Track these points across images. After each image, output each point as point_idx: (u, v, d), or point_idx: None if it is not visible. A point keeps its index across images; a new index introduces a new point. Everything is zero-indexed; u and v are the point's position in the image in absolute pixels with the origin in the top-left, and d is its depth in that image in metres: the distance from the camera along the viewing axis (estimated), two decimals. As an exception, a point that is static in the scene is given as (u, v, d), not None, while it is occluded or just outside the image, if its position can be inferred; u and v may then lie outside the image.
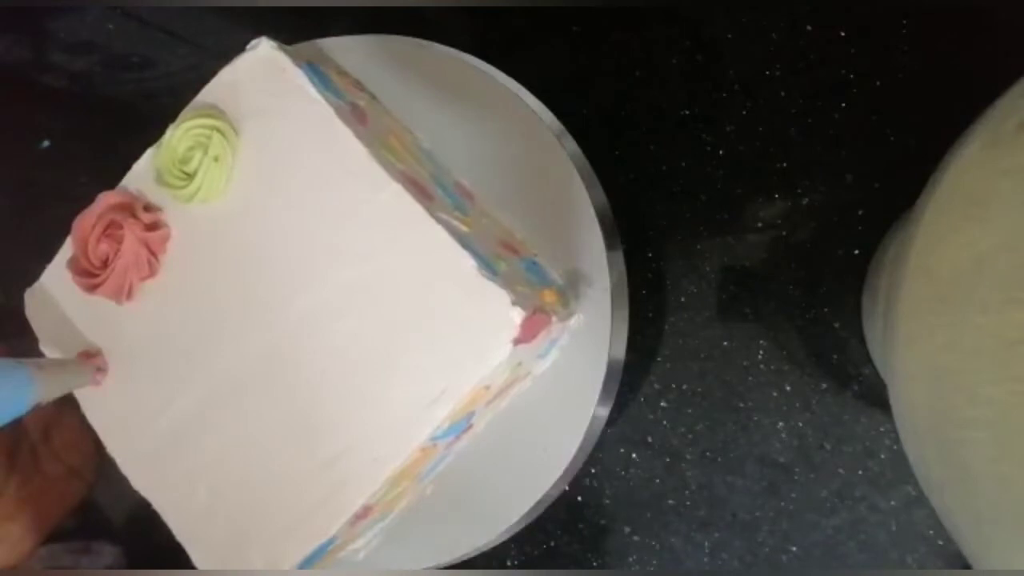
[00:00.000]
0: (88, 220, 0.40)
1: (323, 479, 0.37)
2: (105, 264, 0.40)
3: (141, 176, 0.42)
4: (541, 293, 0.40)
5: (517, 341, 0.35)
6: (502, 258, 0.40)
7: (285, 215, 0.39)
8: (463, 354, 0.35)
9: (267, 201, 0.39)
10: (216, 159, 0.39)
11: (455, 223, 0.38)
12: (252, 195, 0.40)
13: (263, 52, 0.40)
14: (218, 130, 0.39)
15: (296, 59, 0.39)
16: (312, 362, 0.38)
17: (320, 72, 0.41)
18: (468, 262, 0.35)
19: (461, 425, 0.41)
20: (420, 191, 0.38)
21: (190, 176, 0.39)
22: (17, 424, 0.44)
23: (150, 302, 0.41)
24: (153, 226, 0.40)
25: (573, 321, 0.43)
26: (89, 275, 0.40)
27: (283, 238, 0.39)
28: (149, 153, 0.41)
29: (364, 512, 0.38)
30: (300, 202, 0.39)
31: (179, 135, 0.40)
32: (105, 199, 0.40)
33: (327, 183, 0.38)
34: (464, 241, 0.36)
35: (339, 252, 0.38)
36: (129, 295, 0.41)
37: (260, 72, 0.40)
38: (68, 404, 0.41)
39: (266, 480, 0.39)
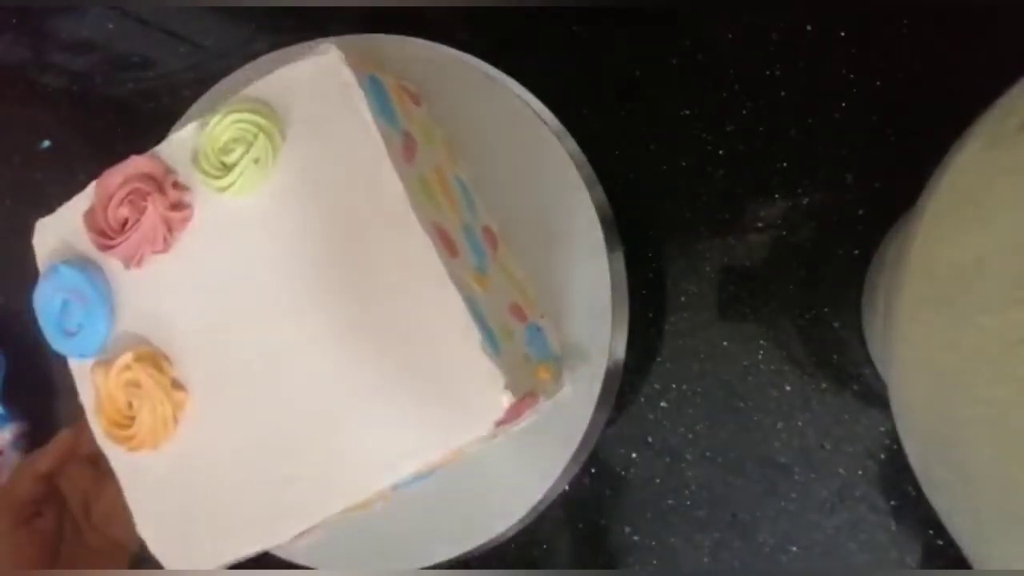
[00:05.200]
0: (115, 179, 0.39)
1: (279, 495, 0.38)
2: (123, 227, 0.40)
3: (177, 149, 0.40)
4: (536, 370, 0.40)
5: (500, 423, 0.35)
6: (507, 329, 0.39)
7: (308, 232, 0.38)
8: (444, 421, 0.35)
9: (294, 214, 0.38)
10: (256, 161, 0.38)
11: (473, 285, 0.38)
12: (281, 203, 0.39)
13: (330, 61, 0.38)
14: (264, 131, 0.38)
15: (360, 73, 0.38)
16: (297, 382, 0.38)
17: (380, 88, 0.40)
18: (475, 334, 0.35)
19: (424, 478, 0.41)
20: (447, 245, 0.38)
21: (227, 168, 0.38)
22: (59, 501, 0.45)
23: (156, 276, 0.41)
24: (177, 205, 0.39)
25: (560, 394, 0.43)
26: (104, 235, 0.40)
27: (300, 255, 0.38)
28: (192, 127, 0.40)
29: (311, 528, 0.38)
30: (326, 224, 0.38)
31: (225, 124, 0.38)
32: (135, 163, 0.40)
33: (357, 214, 0.37)
34: (476, 309, 0.36)
35: (351, 285, 0.37)
36: (138, 264, 0.40)
37: (320, 79, 0.38)
38: (106, 475, 0.41)
39: (226, 476, 0.39)
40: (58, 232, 0.43)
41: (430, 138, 0.43)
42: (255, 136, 0.38)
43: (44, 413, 0.59)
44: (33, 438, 0.60)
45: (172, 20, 0.58)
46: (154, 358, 0.40)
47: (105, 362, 0.40)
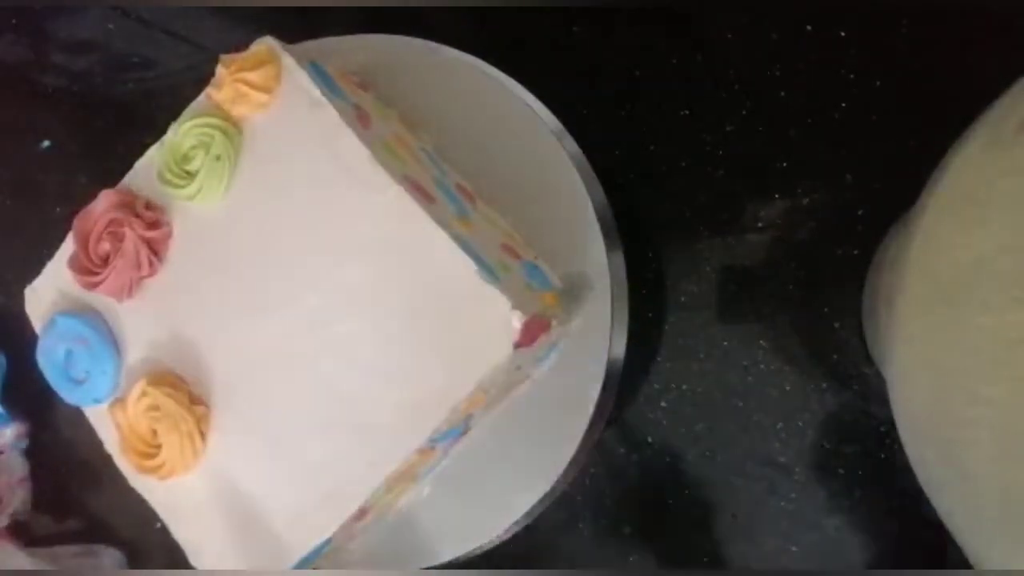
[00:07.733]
0: (89, 218, 0.40)
1: (321, 480, 0.37)
2: (106, 262, 0.40)
3: (143, 174, 0.41)
4: (542, 297, 0.40)
5: (517, 345, 0.35)
6: (503, 263, 0.39)
7: (286, 215, 0.39)
8: (462, 357, 0.35)
9: (268, 201, 0.39)
10: (218, 158, 0.39)
11: (457, 226, 0.38)
12: (253, 195, 0.39)
13: (268, 52, 0.39)
14: (220, 130, 0.39)
15: (300, 59, 0.39)
16: (311, 363, 0.38)
17: (323, 72, 0.41)
18: (469, 266, 0.35)
19: (459, 428, 0.41)
20: (422, 194, 0.38)
21: (192, 175, 0.39)
22: None
23: (151, 300, 0.41)
24: (154, 225, 0.40)
25: (573, 325, 0.43)
26: (90, 273, 0.40)
27: (284, 238, 0.39)
28: (152, 151, 0.41)
29: (361, 513, 0.38)
30: (302, 202, 0.38)
31: (182, 134, 0.39)
32: (107, 197, 0.40)
33: (329, 184, 0.38)
34: (465, 245, 0.36)
35: (340, 253, 0.38)
36: (130, 293, 0.41)
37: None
38: None
39: (263, 480, 0.39)
40: (48, 290, 0.43)
41: (383, 115, 0.44)
42: (212, 137, 0.39)
43: (44, 413, 0.59)
44: (33, 438, 0.60)
45: (172, 20, 0.58)
46: (168, 378, 0.40)
47: (121, 399, 0.40)
